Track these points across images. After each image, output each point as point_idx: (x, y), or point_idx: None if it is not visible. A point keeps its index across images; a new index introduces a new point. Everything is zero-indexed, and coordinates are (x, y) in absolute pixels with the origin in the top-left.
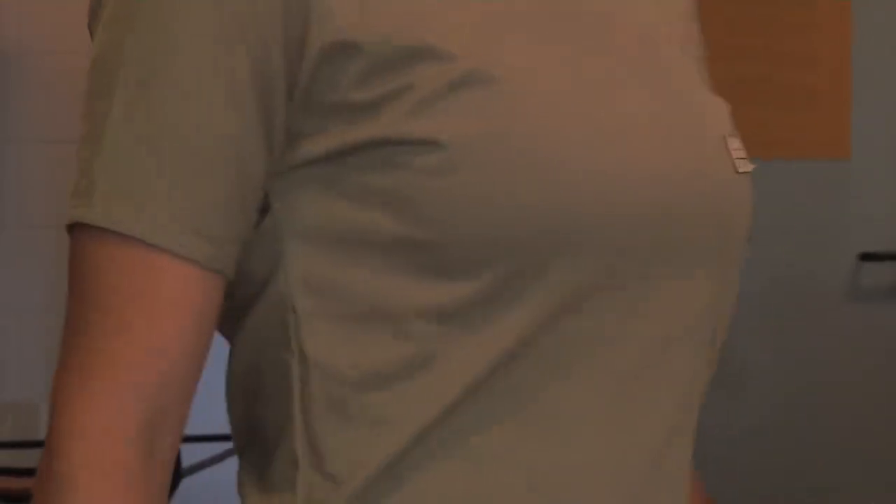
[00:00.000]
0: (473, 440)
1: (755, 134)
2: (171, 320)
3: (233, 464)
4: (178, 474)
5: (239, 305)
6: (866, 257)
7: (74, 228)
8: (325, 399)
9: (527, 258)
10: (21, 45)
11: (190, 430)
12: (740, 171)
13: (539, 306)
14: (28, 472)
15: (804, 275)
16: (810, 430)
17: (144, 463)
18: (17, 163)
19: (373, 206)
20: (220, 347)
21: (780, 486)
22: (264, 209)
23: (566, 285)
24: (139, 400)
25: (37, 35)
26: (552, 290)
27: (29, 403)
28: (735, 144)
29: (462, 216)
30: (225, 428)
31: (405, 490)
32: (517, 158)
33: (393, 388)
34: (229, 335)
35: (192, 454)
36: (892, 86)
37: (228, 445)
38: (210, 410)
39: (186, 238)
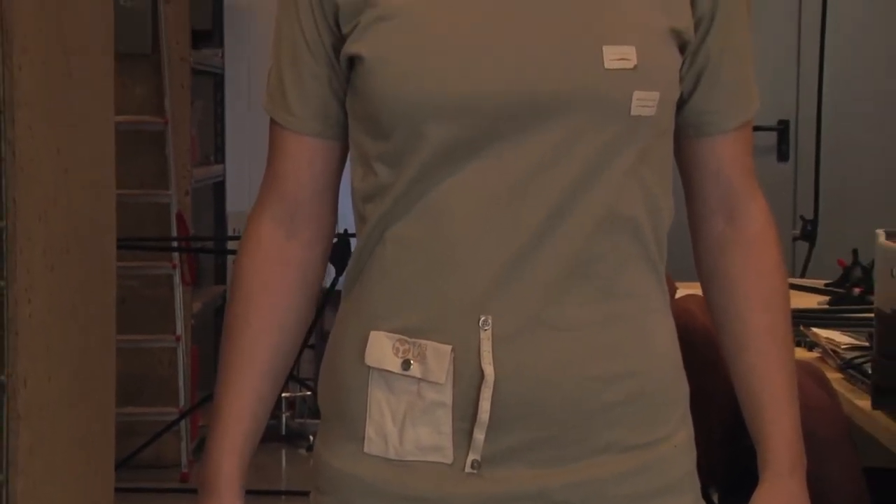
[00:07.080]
0: (392, 228)
1: None
2: (290, 159)
3: None
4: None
5: None
6: None
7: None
8: (355, 204)
9: (413, 125)
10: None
11: None
12: (607, 67)
13: (428, 151)
14: None
15: None
16: None
17: (285, 238)
18: None
19: (352, 94)
20: None
21: None
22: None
23: (441, 140)
24: (280, 199)
25: None
26: (434, 143)
27: None
28: (612, 53)
29: (377, 100)
30: None
31: (383, 237)
32: (395, 68)
33: (372, 200)
34: None
35: None
36: None
37: None
38: None
39: (293, 122)
